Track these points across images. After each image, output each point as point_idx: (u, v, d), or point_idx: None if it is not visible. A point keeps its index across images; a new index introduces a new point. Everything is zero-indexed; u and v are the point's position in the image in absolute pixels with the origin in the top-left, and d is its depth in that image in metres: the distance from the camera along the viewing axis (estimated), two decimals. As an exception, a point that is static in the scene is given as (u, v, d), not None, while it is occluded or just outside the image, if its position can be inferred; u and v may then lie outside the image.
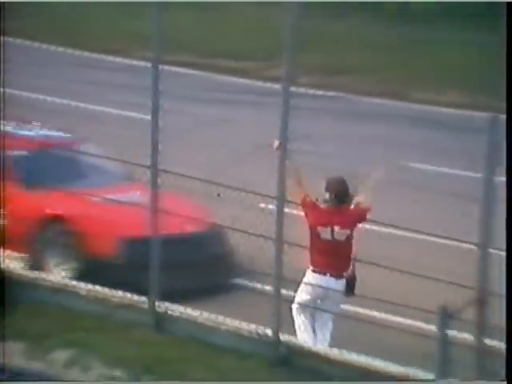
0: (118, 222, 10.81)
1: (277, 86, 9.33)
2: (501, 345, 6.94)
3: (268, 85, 10.02)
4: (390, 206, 11.37)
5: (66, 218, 10.69)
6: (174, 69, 14.84)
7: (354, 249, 9.48)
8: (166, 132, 9.97)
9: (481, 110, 8.51)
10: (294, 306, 9.29)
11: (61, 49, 19.30)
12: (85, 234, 10.49)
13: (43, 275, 10.33)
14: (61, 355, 9.08)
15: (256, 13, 13.43)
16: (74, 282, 10.37)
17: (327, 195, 9.35)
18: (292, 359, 9.38)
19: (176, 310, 10.06)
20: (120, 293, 10.17)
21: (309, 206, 9.30)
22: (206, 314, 10.03)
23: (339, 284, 9.31)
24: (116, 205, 10.71)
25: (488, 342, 8.59)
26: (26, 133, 11.42)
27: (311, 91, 13.19)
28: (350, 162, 13.04)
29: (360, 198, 9.35)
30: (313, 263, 9.31)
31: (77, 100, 15.23)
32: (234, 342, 9.53)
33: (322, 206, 9.35)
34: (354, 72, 16.40)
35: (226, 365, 9.07)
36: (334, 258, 9.33)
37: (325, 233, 9.27)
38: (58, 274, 10.47)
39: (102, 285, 9.91)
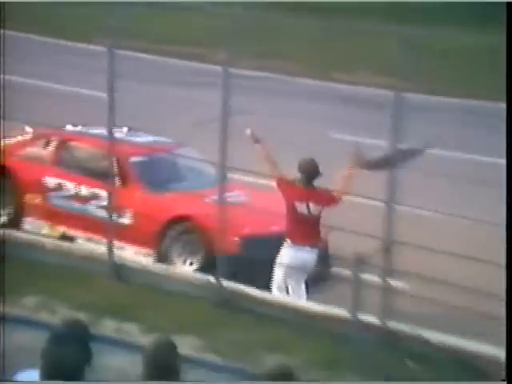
0: (237, 221, 9.83)
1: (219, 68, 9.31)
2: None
3: (213, 67, 10.04)
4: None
5: (192, 218, 9.99)
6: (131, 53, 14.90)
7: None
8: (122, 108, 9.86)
9: (389, 89, 8.63)
10: (276, 270, 9.03)
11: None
12: (208, 232, 9.76)
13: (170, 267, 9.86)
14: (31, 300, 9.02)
15: (205, 7, 13.41)
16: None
17: (300, 175, 9.10)
18: (232, 301, 9.43)
19: (131, 259, 9.93)
20: (83, 245, 10.01)
21: (285, 186, 9.06)
22: (157, 264, 9.97)
23: (314, 252, 9.12)
24: (229, 205, 9.88)
25: (392, 283, 8.88)
26: (137, 139, 10.53)
27: (251, 73, 13.41)
28: (283, 131, 13.09)
29: (335, 186, 9.10)
30: (291, 235, 9.06)
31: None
32: (183, 287, 9.50)
33: (297, 184, 9.09)
34: (288, 58, 16.59)
35: (175, 307, 9.06)
36: (309, 230, 9.12)
37: (301, 208, 9.04)
38: (183, 267, 9.89)
39: (225, 278, 9.39)
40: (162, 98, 14.89)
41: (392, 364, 8.60)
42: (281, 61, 16.60)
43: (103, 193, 9.79)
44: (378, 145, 9.00)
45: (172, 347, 5.16)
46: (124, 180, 9.91)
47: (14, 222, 10.20)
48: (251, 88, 12.98)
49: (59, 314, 8.39)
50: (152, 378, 4.87)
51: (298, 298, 9.17)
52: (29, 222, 10.23)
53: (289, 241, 9.07)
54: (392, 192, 8.66)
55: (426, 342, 8.81)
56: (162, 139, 10.61)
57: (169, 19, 18.41)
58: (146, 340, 6.16)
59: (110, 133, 9.46)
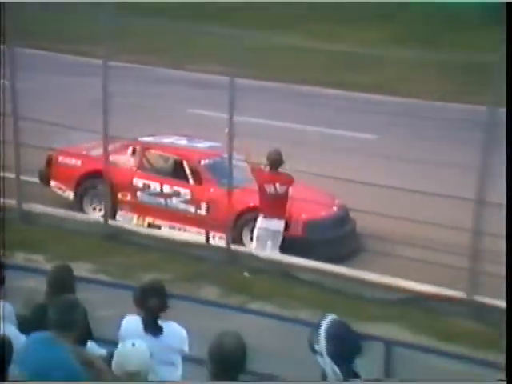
0: (299, 208, 9.18)
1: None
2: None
3: (96, 61, 9.72)
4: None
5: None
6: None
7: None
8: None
9: (226, 75, 8.63)
10: (254, 236, 8.66)
11: None
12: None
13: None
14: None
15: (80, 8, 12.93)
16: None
17: (268, 163, 8.70)
18: (118, 236, 9.24)
19: (37, 208, 9.51)
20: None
21: (257, 172, 8.79)
22: (60, 210, 9.59)
23: (281, 223, 8.70)
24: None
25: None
26: (199, 145, 9.83)
27: (126, 64, 13.19)
28: (151, 108, 12.84)
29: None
30: (262, 210, 8.64)
31: None
32: (81, 227, 9.18)
33: (266, 170, 8.73)
34: (152, 53, 16.61)
35: (74, 242, 8.82)
36: (277, 205, 8.72)
37: (270, 188, 8.65)
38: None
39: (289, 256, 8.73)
40: (57, 85, 14.47)
41: (235, 275, 8.59)
42: (147, 55, 16.24)
43: (182, 190, 9.25)
44: (221, 117, 8.92)
45: (69, 270, 5.08)
46: (197, 179, 9.32)
47: (110, 215, 9.56)
48: (127, 76, 12.76)
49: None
50: (54, 294, 4.72)
51: (273, 251, 8.75)
52: (121, 215, 9.64)
53: (261, 215, 8.63)
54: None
55: (260, 259, 8.79)
56: (216, 144, 9.74)
57: (62, 19, 17.70)
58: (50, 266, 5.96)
59: (190, 141, 9.36)
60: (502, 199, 5.68)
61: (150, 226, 9.46)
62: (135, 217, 9.52)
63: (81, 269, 7.31)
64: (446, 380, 5.69)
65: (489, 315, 7.64)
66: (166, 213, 9.25)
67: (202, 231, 9.19)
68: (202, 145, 9.63)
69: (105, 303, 6.43)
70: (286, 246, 8.76)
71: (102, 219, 9.16)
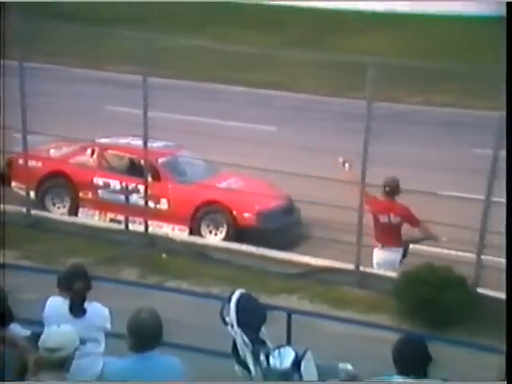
0: (251, 200, 9.05)
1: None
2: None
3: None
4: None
5: (217, 201, 8.98)
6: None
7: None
8: None
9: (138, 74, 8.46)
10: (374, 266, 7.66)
11: None
12: (231, 210, 8.77)
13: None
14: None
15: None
16: None
17: (385, 190, 7.48)
18: (39, 224, 8.86)
19: None
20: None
21: (369, 200, 7.54)
22: None
23: (399, 253, 7.58)
24: (233, 190, 9.15)
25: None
26: (154, 145, 8.99)
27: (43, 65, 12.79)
28: (71, 107, 12.25)
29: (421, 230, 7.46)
30: (378, 240, 7.54)
31: None
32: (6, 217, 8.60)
33: (381, 198, 7.52)
34: (70, 55, 16.04)
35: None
36: (392, 235, 7.53)
37: (383, 218, 7.50)
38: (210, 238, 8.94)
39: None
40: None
41: (153, 257, 8.36)
42: (66, 57, 15.68)
43: (141, 187, 8.71)
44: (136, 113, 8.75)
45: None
46: (156, 176, 8.96)
47: (72, 212, 9.25)
48: (47, 77, 12.40)
49: None
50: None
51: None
52: (83, 212, 9.26)
53: (378, 245, 7.62)
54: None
55: (173, 241, 8.65)
56: (170, 143, 9.52)
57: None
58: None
59: (145, 143, 8.49)
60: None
61: (111, 221, 9.20)
62: (97, 213, 9.27)
63: (5, 256, 7.07)
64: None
65: (372, 283, 7.76)
66: (126, 209, 8.84)
67: (164, 224, 9.00)
68: (157, 144, 9.32)
69: (28, 287, 6.19)
70: (240, 236, 8.65)
71: (24, 209, 8.79)
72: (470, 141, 11.60)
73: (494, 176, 7.02)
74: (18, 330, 4.43)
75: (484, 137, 7.42)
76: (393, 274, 7.48)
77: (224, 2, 19.96)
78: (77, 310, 4.42)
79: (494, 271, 6.77)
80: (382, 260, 7.60)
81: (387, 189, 7.44)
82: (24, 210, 8.81)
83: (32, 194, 9.27)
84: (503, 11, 6.92)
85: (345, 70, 13.21)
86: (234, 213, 8.83)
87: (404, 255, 7.67)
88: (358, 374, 4.43)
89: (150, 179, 8.84)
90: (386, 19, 19.86)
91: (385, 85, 8.23)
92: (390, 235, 7.47)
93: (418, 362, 3.69)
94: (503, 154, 5.89)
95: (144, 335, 3.67)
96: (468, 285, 7.18)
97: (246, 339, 4.30)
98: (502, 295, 5.28)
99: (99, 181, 9.29)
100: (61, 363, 3.54)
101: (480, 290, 7.29)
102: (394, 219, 7.44)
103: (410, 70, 10.69)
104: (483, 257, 7.42)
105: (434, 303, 6.85)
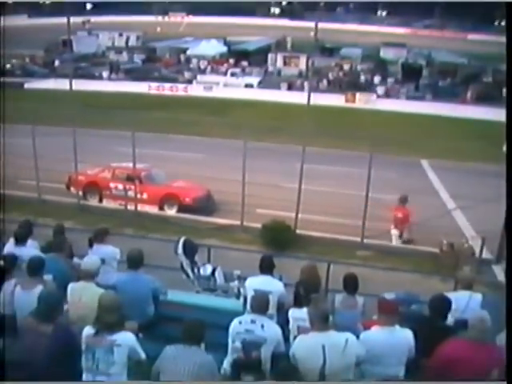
0: (188, 192, 13.76)
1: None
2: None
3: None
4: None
5: (172, 193, 13.68)
6: None
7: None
8: None
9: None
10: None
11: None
12: (181, 197, 13.81)
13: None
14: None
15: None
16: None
17: (399, 200, 11.37)
18: (83, 208, 13.10)
19: None
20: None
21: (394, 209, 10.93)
22: None
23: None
24: (180, 187, 13.85)
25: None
26: (139, 166, 13.49)
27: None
28: None
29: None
30: (395, 226, 11.15)
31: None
32: None
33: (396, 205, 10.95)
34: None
35: None
36: (402, 223, 10.96)
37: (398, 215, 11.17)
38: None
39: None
40: None
41: (139, 222, 12.35)
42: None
43: (133, 187, 13.36)
44: (129, 151, 12.49)
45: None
46: (140, 181, 13.44)
47: (99, 202, 14.02)
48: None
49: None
50: None
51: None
52: (105, 201, 14.08)
53: (395, 228, 11.19)
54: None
55: (150, 214, 13.09)
56: (147, 165, 13.89)
57: None
58: None
59: (134, 165, 12.82)
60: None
61: (119, 205, 13.53)
62: (111, 201, 13.74)
63: (66, 223, 7.91)
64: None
65: (250, 231, 11.07)
66: (125, 199, 13.40)
67: (146, 206, 13.29)
68: (141, 166, 13.44)
69: (79, 242, 6.86)
70: (184, 210, 12.99)
71: (76, 200, 13.42)
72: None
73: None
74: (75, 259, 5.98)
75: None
76: (258, 226, 11.15)
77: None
78: (98, 246, 6.11)
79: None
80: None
81: (401, 199, 10.78)
82: (76, 200, 13.27)
83: (80, 193, 13.52)
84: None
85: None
86: (181, 198, 13.29)
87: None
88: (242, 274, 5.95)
89: (137, 183, 13.07)
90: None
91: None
92: (401, 224, 10.91)
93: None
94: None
95: (134, 260, 5.28)
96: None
97: (188, 261, 6.27)
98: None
99: (112, 185, 13.84)
100: (91, 275, 5.11)
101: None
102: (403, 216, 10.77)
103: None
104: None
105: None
